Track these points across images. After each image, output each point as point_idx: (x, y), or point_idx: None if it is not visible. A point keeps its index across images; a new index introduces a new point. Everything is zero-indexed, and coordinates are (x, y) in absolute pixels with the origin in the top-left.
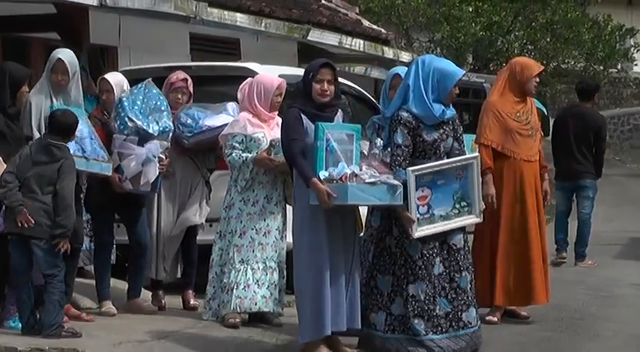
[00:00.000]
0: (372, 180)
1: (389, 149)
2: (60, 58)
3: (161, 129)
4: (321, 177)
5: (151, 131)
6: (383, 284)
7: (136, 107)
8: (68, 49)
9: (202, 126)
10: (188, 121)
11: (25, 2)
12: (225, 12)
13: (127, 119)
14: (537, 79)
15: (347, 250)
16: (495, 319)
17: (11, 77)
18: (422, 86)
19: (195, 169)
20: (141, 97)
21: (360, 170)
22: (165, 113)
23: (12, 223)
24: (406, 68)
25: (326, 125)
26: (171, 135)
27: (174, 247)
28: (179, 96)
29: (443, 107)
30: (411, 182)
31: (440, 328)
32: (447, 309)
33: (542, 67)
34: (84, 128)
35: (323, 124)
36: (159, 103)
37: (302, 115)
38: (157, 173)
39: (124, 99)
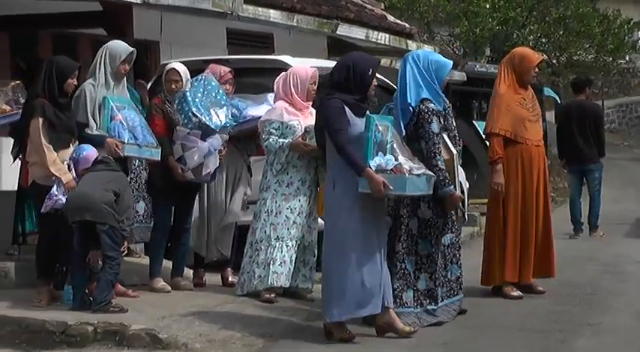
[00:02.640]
0: (420, 171)
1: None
2: (132, 51)
3: (222, 124)
4: (372, 167)
5: (213, 126)
6: (410, 265)
7: (197, 100)
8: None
9: (247, 115)
10: (233, 111)
11: (73, 0)
12: (260, 8)
13: (190, 114)
14: (536, 69)
15: (379, 236)
16: (516, 294)
17: (58, 69)
18: (428, 78)
19: (238, 155)
20: (201, 90)
21: (396, 160)
22: (225, 107)
23: (74, 212)
24: None
25: (376, 116)
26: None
27: (229, 233)
28: (227, 87)
29: None
30: (456, 163)
31: (453, 292)
32: (458, 274)
33: (541, 57)
34: (135, 117)
35: (373, 115)
36: (219, 97)
37: (344, 107)
38: (217, 164)
39: (188, 93)
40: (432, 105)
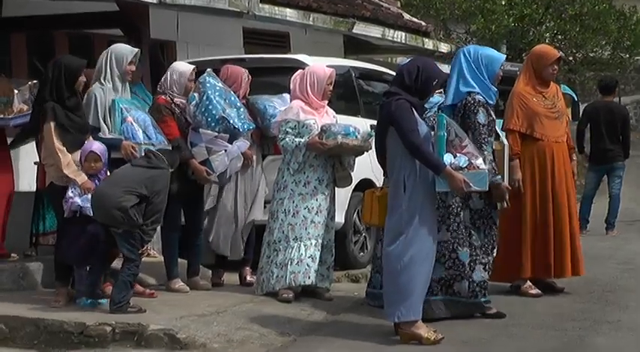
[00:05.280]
0: (487, 166)
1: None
2: (137, 52)
3: (246, 127)
4: (448, 165)
5: (241, 129)
6: (464, 256)
7: (219, 102)
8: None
9: None
10: (275, 112)
11: (90, 1)
12: (276, 7)
13: (218, 117)
14: (555, 66)
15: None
16: (535, 292)
17: (67, 70)
18: (476, 71)
19: (260, 156)
20: (213, 92)
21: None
22: (242, 110)
23: (94, 211)
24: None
25: (444, 116)
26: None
27: (247, 232)
28: (247, 88)
29: None
30: (506, 154)
31: None
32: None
33: (558, 54)
34: (145, 117)
35: (443, 115)
36: (233, 99)
37: (412, 107)
38: (239, 167)
39: (211, 95)
40: (479, 96)
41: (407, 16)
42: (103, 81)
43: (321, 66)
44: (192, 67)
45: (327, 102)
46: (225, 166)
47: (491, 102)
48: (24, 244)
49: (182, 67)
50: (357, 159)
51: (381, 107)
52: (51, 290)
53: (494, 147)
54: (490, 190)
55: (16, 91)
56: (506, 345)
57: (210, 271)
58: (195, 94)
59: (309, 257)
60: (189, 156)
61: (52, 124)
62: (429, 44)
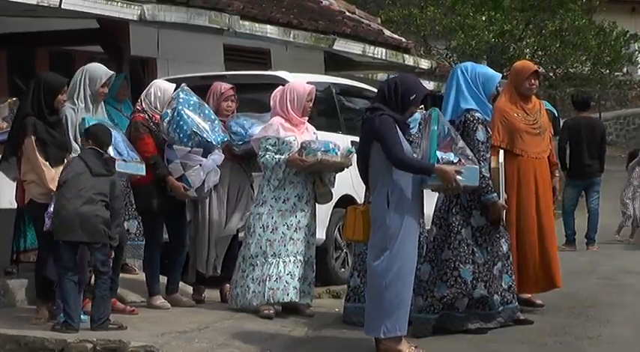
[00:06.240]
0: (475, 166)
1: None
2: (112, 74)
3: (220, 139)
4: (440, 159)
5: (214, 143)
6: (466, 274)
7: (191, 117)
8: None
9: (252, 134)
10: (239, 130)
11: (70, 18)
12: (257, 24)
13: (190, 132)
14: (532, 81)
15: None
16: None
17: (46, 86)
18: (474, 89)
19: (243, 173)
20: (187, 106)
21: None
22: (217, 122)
23: (67, 232)
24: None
25: (438, 111)
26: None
27: (223, 248)
28: (229, 104)
29: None
30: (502, 172)
31: (506, 300)
32: (510, 283)
33: (534, 67)
34: (116, 133)
35: (437, 110)
36: (207, 112)
37: (395, 123)
38: (217, 180)
39: (182, 111)
40: (478, 114)
41: (387, 33)
42: (75, 100)
43: (301, 82)
44: (174, 85)
45: (307, 118)
46: (202, 180)
47: (488, 119)
48: (5, 261)
49: (166, 84)
50: (337, 175)
51: (363, 122)
52: (32, 307)
53: (491, 165)
54: (486, 207)
55: None
56: None
57: (192, 288)
58: (169, 111)
59: (287, 274)
60: (167, 173)
61: (33, 139)
62: (409, 60)
